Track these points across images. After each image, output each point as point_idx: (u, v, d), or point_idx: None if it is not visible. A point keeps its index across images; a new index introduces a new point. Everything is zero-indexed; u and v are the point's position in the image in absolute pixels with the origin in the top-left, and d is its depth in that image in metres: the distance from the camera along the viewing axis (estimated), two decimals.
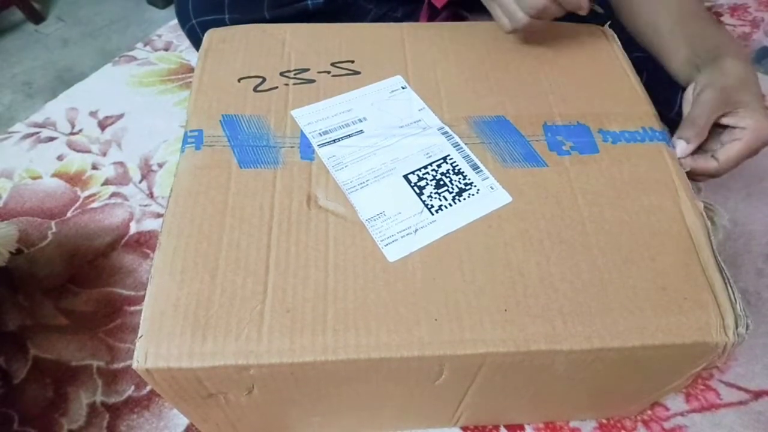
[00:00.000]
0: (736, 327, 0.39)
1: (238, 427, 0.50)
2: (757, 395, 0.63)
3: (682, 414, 0.61)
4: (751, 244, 0.75)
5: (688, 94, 0.51)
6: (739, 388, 0.63)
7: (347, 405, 0.48)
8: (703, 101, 0.48)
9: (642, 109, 0.52)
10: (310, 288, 0.40)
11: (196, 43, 0.67)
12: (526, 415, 0.59)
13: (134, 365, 0.37)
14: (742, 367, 0.64)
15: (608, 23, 0.60)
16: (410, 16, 0.76)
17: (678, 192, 0.46)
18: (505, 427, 0.60)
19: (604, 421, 0.61)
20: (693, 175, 0.49)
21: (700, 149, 0.49)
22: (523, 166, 0.47)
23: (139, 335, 0.38)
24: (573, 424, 0.60)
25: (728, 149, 0.48)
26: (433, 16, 0.72)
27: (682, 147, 0.48)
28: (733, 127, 0.48)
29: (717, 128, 0.50)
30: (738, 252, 0.74)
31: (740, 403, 0.62)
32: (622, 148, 0.49)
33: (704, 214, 0.44)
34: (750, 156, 0.49)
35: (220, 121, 0.49)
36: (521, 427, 0.60)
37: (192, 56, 1.02)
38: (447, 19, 0.75)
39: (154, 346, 0.37)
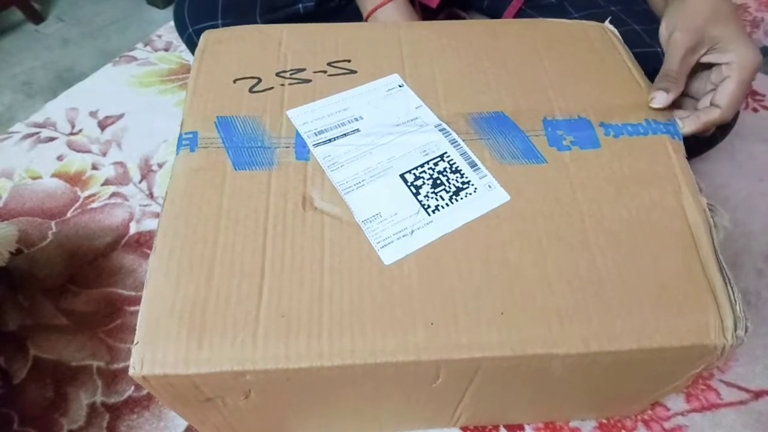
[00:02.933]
0: (735, 329, 0.39)
1: (237, 428, 0.50)
2: (758, 395, 0.62)
3: (682, 414, 0.61)
4: (751, 244, 0.74)
5: (661, 35, 0.49)
6: (740, 388, 0.63)
7: (345, 408, 0.48)
8: (675, 46, 0.46)
9: (645, 101, 0.51)
10: (306, 291, 0.40)
11: (195, 50, 0.67)
12: (526, 415, 0.59)
13: (131, 372, 0.37)
14: (743, 367, 0.64)
15: (608, 19, 0.60)
16: None
17: (680, 186, 0.45)
18: (505, 427, 0.60)
19: (604, 420, 0.60)
20: (702, 132, 0.48)
21: (695, 100, 0.48)
22: (521, 162, 0.47)
23: (135, 341, 0.38)
24: (573, 424, 0.60)
25: (723, 90, 0.46)
26: (429, 17, 0.72)
27: (661, 98, 0.47)
28: (719, 65, 0.46)
29: (703, 69, 0.47)
30: (738, 252, 0.73)
31: (741, 403, 0.62)
32: (624, 142, 0.48)
33: (706, 210, 0.44)
34: (746, 89, 0.46)
35: (215, 122, 0.49)
36: (521, 427, 0.60)
37: (192, 57, 1.02)
38: (443, 19, 0.75)
39: (150, 352, 0.37)
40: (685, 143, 0.49)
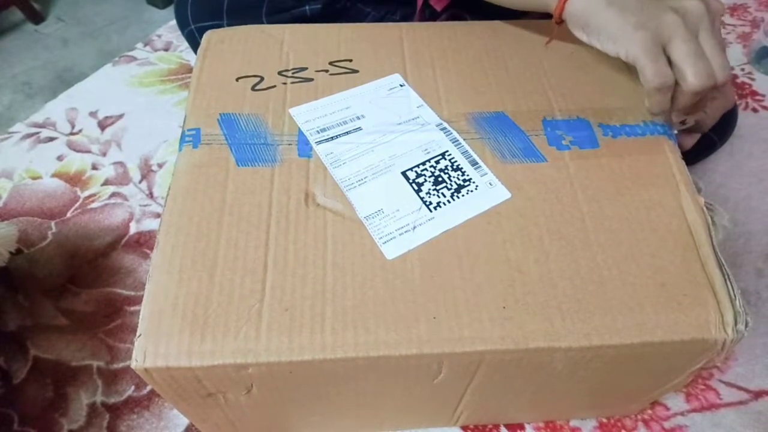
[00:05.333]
0: (736, 324, 0.39)
1: (237, 426, 0.50)
2: (757, 395, 0.62)
3: (682, 413, 0.61)
4: (751, 244, 0.74)
5: None
6: (740, 388, 0.63)
7: (347, 404, 0.48)
8: None
9: (643, 103, 0.51)
10: (309, 286, 0.40)
11: (195, 46, 0.68)
12: (526, 414, 0.59)
13: (133, 364, 0.37)
14: (743, 367, 0.64)
15: None
16: (409, 18, 0.76)
17: (678, 186, 0.46)
18: (506, 426, 0.60)
19: (605, 420, 0.61)
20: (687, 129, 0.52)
21: None
22: (522, 161, 0.47)
23: (137, 334, 0.38)
24: (573, 423, 0.60)
25: (713, 103, 0.51)
26: (432, 18, 0.73)
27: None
28: None
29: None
30: (738, 252, 0.73)
31: (740, 403, 0.62)
32: (623, 143, 0.49)
33: (705, 209, 0.44)
34: (719, 116, 0.53)
35: (217, 119, 0.49)
36: (521, 426, 0.60)
37: (192, 56, 1.02)
38: (447, 20, 0.75)
39: (153, 345, 0.37)
40: (686, 151, 0.51)
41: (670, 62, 0.44)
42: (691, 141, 0.54)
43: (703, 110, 0.50)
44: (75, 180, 0.83)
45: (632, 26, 0.43)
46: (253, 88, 0.51)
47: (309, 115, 0.50)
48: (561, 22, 0.49)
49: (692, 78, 0.43)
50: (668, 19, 0.43)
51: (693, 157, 0.76)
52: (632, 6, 0.44)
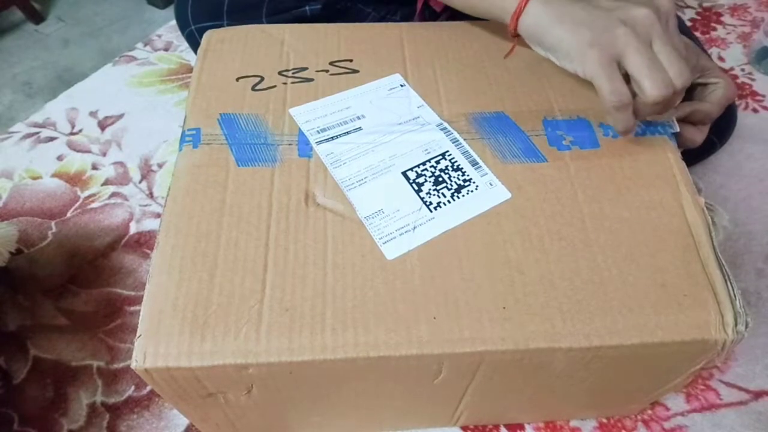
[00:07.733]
0: (736, 324, 0.39)
1: (238, 426, 0.50)
2: (758, 395, 0.62)
3: (682, 414, 0.61)
4: (751, 244, 0.74)
5: None
6: (740, 389, 0.63)
7: (347, 404, 0.48)
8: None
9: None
10: (309, 287, 0.40)
11: (195, 46, 0.68)
12: (527, 414, 0.59)
13: (133, 365, 0.37)
14: (743, 368, 0.64)
15: None
16: (409, 19, 0.76)
17: (679, 186, 0.46)
18: (506, 426, 0.60)
19: (605, 420, 0.61)
20: (692, 119, 0.52)
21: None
22: (522, 161, 0.47)
23: (137, 335, 0.38)
24: (573, 423, 0.60)
25: (714, 93, 0.52)
26: (432, 18, 0.73)
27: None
28: (705, 84, 0.53)
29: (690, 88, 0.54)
30: (738, 252, 0.73)
31: (740, 403, 0.62)
32: (623, 143, 0.49)
33: (705, 209, 0.44)
34: (728, 102, 0.53)
35: (217, 119, 0.49)
36: (521, 426, 0.60)
37: (192, 56, 1.02)
38: (447, 20, 0.75)
39: (153, 345, 0.37)
40: (686, 152, 0.50)
41: (627, 76, 0.44)
42: (701, 136, 0.53)
43: (674, 108, 0.50)
44: (75, 180, 0.83)
45: (586, 44, 0.43)
46: (253, 88, 0.51)
47: (309, 115, 0.50)
48: (517, 35, 0.49)
49: (650, 90, 0.42)
50: (619, 32, 0.42)
51: (693, 157, 0.76)
52: (583, 21, 0.44)
